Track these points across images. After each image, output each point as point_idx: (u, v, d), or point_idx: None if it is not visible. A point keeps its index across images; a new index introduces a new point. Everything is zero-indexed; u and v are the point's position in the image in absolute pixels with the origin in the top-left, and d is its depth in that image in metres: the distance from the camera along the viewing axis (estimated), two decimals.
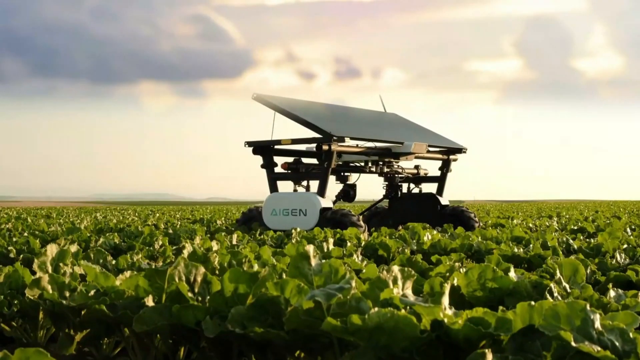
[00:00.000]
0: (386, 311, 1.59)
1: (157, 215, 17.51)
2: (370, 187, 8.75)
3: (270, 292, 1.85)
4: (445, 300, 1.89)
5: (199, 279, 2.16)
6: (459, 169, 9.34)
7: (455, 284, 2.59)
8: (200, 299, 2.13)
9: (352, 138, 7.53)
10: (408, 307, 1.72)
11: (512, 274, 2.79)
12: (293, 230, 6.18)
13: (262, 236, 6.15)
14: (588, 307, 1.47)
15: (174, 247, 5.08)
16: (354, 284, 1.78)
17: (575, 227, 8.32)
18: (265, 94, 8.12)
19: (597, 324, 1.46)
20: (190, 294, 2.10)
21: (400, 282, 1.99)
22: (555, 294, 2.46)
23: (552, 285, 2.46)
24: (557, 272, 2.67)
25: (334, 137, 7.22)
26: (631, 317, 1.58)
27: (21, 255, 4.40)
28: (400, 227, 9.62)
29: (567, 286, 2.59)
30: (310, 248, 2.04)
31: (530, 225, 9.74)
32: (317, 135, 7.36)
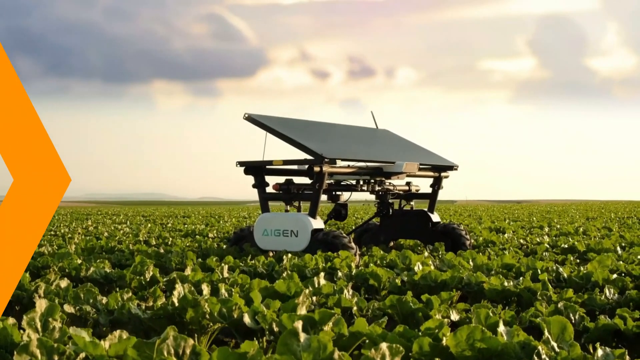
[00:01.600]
0: None
1: (149, 225, 17.46)
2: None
3: None
4: None
5: (187, 351, 2.16)
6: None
7: (444, 344, 2.61)
8: None
9: (343, 159, 7.54)
10: None
11: (502, 327, 2.80)
12: (284, 257, 6.19)
13: (253, 261, 6.15)
14: None
15: (165, 280, 5.08)
16: None
17: (566, 246, 8.35)
18: (257, 113, 8.11)
19: None
20: None
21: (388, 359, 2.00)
22: (544, 356, 2.48)
23: (540, 347, 2.48)
24: (545, 330, 2.68)
25: (326, 159, 7.21)
26: None
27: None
28: (391, 244, 9.66)
29: (555, 345, 2.60)
30: (299, 325, 2.04)
31: (522, 241, 9.79)
32: (309, 157, 7.36)
